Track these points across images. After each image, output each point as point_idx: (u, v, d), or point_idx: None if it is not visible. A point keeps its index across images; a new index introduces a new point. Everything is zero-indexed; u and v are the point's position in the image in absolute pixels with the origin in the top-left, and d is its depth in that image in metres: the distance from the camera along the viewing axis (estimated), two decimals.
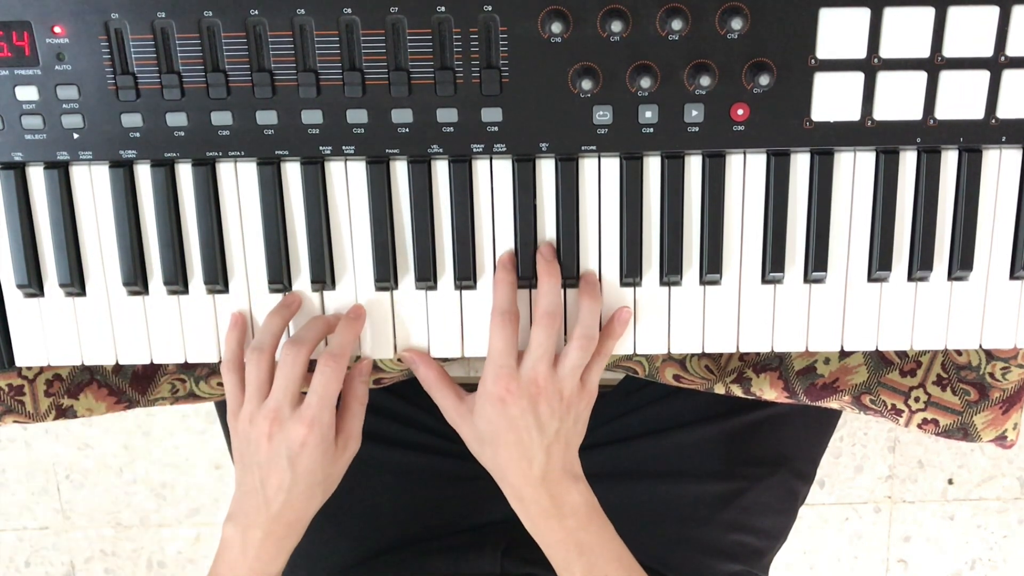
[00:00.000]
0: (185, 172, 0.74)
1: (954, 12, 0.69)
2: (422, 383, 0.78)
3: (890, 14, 0.69)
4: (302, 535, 0.77)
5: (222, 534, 0.76)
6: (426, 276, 0.75)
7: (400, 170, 0.74)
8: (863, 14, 0.69)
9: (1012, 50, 0.70)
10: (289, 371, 0.72)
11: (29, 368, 0.82)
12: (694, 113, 0.71)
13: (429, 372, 0.77)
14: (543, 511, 0.75)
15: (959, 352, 0.83)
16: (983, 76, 0.71)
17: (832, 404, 0.85)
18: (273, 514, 0.74)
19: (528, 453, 0.74)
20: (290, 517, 0.75)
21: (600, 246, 0.75)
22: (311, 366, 0.74)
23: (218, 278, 0.75)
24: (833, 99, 0.71)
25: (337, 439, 0.75)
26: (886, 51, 0.70)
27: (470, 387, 0.77)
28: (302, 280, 0.76)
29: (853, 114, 0.72)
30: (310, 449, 0.72)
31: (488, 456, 0.76)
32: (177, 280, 0.75)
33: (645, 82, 0.70)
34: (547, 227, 0.75)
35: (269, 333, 0.74)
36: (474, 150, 0.73)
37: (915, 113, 0.72)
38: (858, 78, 0.71)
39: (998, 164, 0.74)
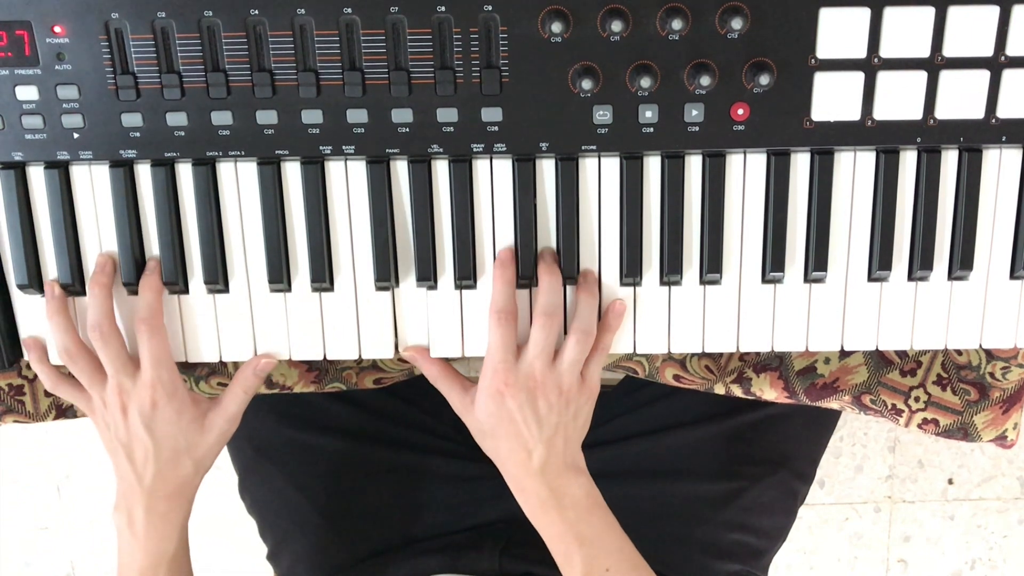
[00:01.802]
0: (185, 172, 0.73)
1: (954, 12, 0.69)
2: (428, 378, 0.79)
3: (890, 14, 0.69)
4: (188, 511, 0.79)
5: (115, 527, 0.78)
6: (426, 276, 0.75)
7: (400, 170, 0.74)
8: (863, 14, 0.69)
9: (1012, 50, 0.70)
10: (107, 349, 0.73)
11: (29, 368, 0.82)
12: (694, 113, 0.71)
13: (433, 367, 0.78)
14: (543, 502, 0.76)
15: (959, 352, 0.83)
16: (983, 76, 0.71)
17: (832, 404, 0.85)
18: (148, 488, 0.76)
19: (527, 445, 0.74)
20: (166, 489, 0.76)
21: (600, 246, 0.75)
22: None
23: (218, 278, 0.75)
24: (833, 99, 0.71)
25: (210, 414, 0.77)
26: (886, 51, 0.70)
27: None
28: (302, 279, 0.76)
29: (853, 114, 0.72)
30: (162, 409, 0.74)
31: (490, 447, 0.77)
32: (177, 280, 0.75)
33: (645, 82, 0.70)
34: (547, 227, 0.75)
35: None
36: (474, 150, 0.73)
37: (915, 113, 0.72)
38: (858, 78, 0.71)
39: (998, 164, 0.74)
